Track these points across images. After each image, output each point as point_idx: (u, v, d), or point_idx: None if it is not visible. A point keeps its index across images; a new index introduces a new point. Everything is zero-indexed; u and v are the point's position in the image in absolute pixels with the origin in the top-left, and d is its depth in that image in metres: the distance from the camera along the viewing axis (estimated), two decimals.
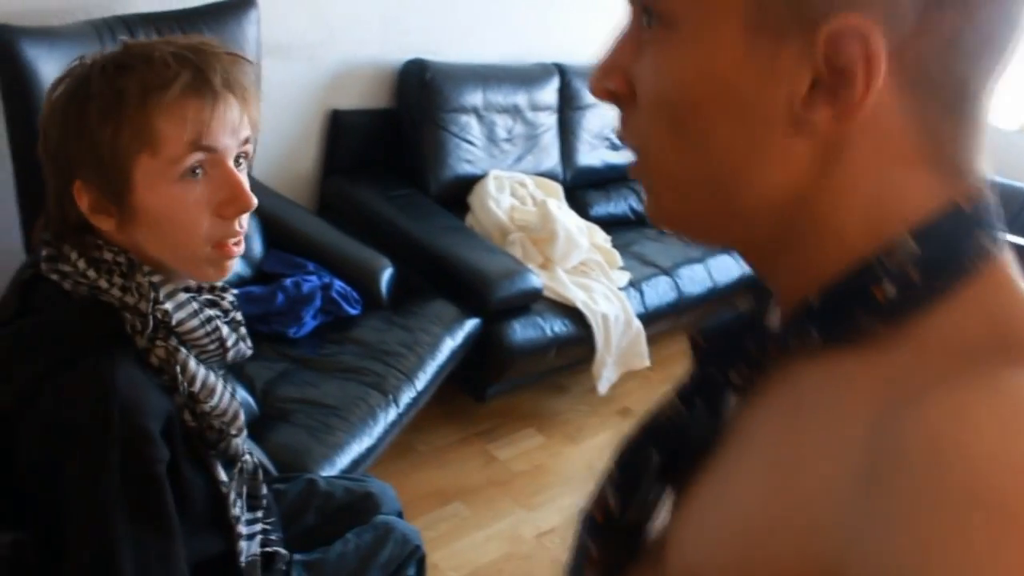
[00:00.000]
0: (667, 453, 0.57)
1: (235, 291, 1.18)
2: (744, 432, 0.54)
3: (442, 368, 2.43)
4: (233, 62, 1.00)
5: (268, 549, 1.25)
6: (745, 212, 0.50)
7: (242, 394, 1.89)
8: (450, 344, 2.47)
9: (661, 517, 0.60)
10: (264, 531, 1.23)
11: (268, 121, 2.70)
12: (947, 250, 0.46)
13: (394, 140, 3.19)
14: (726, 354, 0.56)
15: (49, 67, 1.94)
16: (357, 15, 2.97)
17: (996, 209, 0.48)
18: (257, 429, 1.92)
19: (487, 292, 2.60)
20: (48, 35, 2.01)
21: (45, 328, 0.99)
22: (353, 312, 2.47)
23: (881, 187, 0.47)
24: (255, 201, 1.02)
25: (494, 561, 2.37)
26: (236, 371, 2.03)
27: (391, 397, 2.19)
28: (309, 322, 2.39)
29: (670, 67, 0.48)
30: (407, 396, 2.24)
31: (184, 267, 1.04)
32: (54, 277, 1.00)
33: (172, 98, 0.94)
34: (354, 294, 2.50)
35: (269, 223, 2.61)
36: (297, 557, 1.35)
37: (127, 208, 0.98)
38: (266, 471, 1.59)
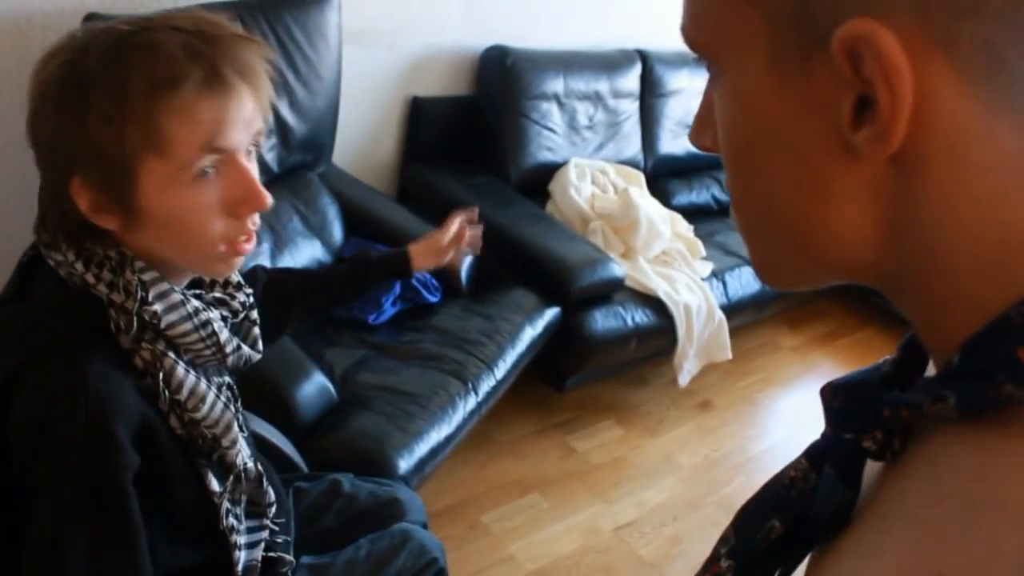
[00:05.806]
0: (791, 522, 0.50)
1: (249, 290, 1.12)
2: (880, 510, 0.46)
3: (522, 357, 2.40)
4: (245, 46, 0.92)
5: (271, 554, 1.20)
6: (833, 258, 0.44)
7: (321, 380, 1.90)
8: (530, 333, 2.44)
9: None
10: (271, 534, 1.18)
11: (349, 108, 2.74)
12: None
13: (474, 127, 3.18)
14: (860, 415, 0.47)
15: None
16: (438, 1, 2.96)
17: None
18: (336, 415, 1.92)
19: (568, 281, 2.57)
20: None
21: (29, 317, 0.93)
22: (432, 299, 2.47)
23: (989, 211, 0.38)
24: (270, 200, 0.96)
25: (571, 553, 2.35)
26: (315, 356, 2.04)
27: (471, 385, 2.17)
28: (388, 309, 2.38)
29: (722, 110, 0.46)
30: (487, 385, 2.22)
31: (192, 266, 1.00)
32: (51, 263, 0.95)
33: (183, 98, 0.86)
34: (433, 281, 2.50)
35: (349, 210, 2.62)
36: (305, 560, 1.30)
37: (133, 210, 0.90)
38: (293, 467, 1.55)
